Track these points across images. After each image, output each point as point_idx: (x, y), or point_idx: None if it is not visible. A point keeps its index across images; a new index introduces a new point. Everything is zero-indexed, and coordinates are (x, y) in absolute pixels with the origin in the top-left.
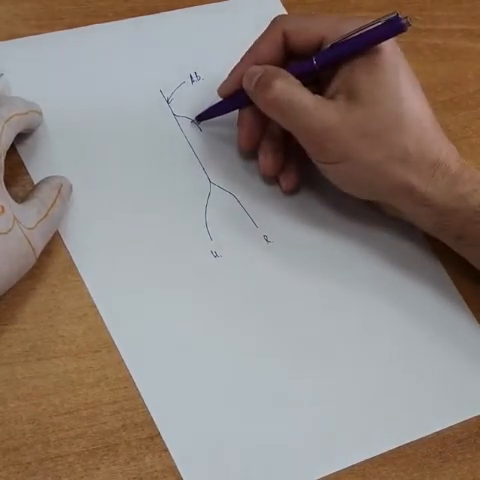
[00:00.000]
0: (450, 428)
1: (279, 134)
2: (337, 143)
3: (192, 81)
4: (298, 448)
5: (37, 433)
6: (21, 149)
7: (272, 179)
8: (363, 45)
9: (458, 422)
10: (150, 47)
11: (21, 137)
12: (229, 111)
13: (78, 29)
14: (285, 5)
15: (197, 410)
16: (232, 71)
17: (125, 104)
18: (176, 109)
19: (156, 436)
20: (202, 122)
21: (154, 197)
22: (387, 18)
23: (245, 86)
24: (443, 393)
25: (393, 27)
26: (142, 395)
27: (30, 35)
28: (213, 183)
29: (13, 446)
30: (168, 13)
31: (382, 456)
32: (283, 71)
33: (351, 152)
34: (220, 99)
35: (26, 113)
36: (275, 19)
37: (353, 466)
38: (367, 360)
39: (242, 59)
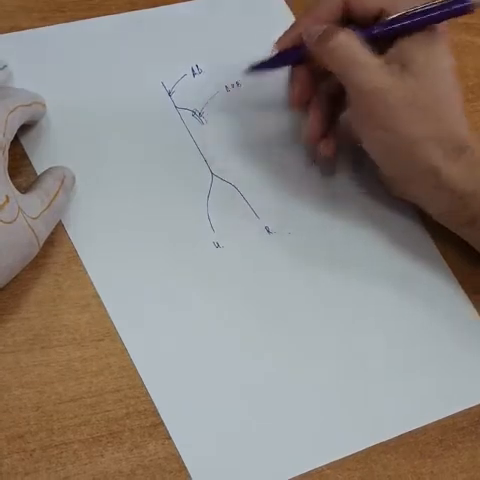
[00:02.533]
0: (451, 416)
1: (328, 100)
2: (384, 107)
3: (193, 74)
4: (301, 436)
5: (41, 421)
6: (24, 140)
7: (313, 144)
8: (425, 22)
9: (460, 410)
10: (152, 40)
11: (24, 128)
12: (282, 66)
13: (80, 22)
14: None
15: (199, 398)
16: (290, 28)
17: (127, 96)
18: (178, 101)
19: (159, 424)
20: (206, 116)
21: (156, 188)
22: None
23: (306, 38)
24: (444, 381)
25: (459, 9)
26: (144, 383)
27: (32, 27)
28: (215, 175)
29: (18, 433)
30: (169, 6)
31: (384, 444)
32: (346, 29)
33: (394, 121)
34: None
35: (30, 105)
36: None
37: (356, 453)
38: (367, 348)
39: (301, 18)
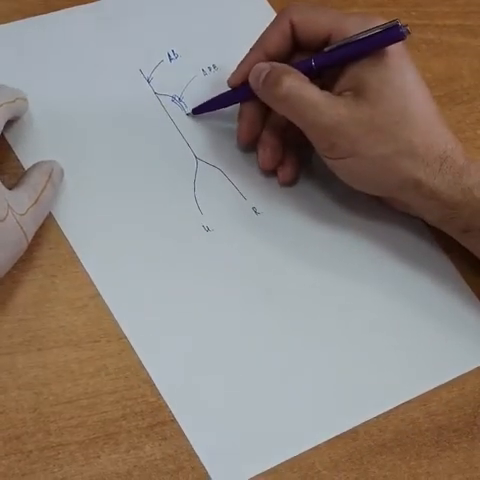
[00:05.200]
0: (446, 417)
1: (278, 129)
2: (346, 138)
3: (170, 59)
4: (302, 415)
5: (38, 422)
6: (9, 136)
7: (270, 172)
8: (361, 51)
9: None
10: (126, 28)
11: (7, 124)
12: (230, 104)
13: (57, 13)
14: (282, 1)
15: (206, 388)
16: (242, 62)
17: (107, 86)
18: (157, 88)
19: (156, 425)
20: (186, 101)
21: (143, 177)
22: (387, 26)
23: (252, 82)
24: (428, 356)
25: (392, 35)
26: (152, 378)
27: (11, 21)
28: (199, 159)
29: (15, 435)
30: None
31: (380, 445)
32: (290, 67)
33: (360, 147)
34: (218, 93)
35: (13, 101)
36: (284, 9)
37: (351, 454)
38: (358, 326)
39: (251, 49)
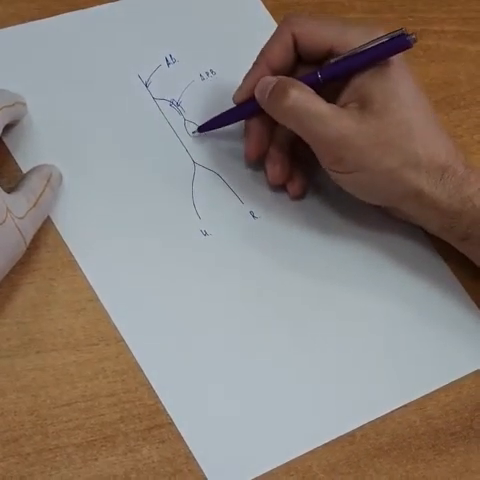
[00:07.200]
0: (443, 421)
1: (286, 143)
2: (352, 151)
3: (168, 64)
4: (298, 420)
5: (36, 424)
6: (7, 140)
7: (280, 187)
8: (368, 61)
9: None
10: (123, 33)
11: (6, 128)
12: (236, 121)
13: (54, 18)
14: (279, 7)
15: (205, 392)
16: (246, 77)
17: (105, 90)
18: (155, 92)
19: (153, 428)
20: (184, 105)
21: (141, 181)
22: (393, 35)
23: (258, 96)
24: (426, 361)
25: (399, 44)
26: (150, 381)
27: (9, 25)
28: (197, 163)
29: (13, 437)
30: None
31: (377, 448)
32: (296, 80)
33: (366, 161)
34: (223, 110)
35: (12, 105)
36: (284, 21)
37: (348, 457)
38: (356, 332)
39: (255, 63)
